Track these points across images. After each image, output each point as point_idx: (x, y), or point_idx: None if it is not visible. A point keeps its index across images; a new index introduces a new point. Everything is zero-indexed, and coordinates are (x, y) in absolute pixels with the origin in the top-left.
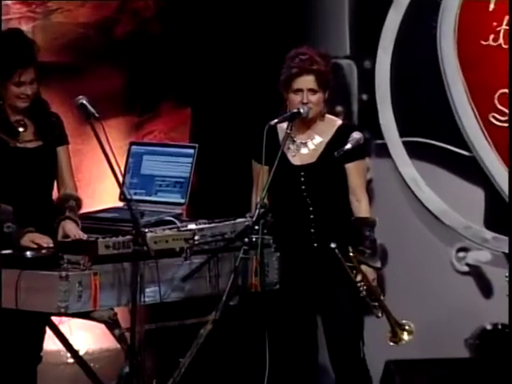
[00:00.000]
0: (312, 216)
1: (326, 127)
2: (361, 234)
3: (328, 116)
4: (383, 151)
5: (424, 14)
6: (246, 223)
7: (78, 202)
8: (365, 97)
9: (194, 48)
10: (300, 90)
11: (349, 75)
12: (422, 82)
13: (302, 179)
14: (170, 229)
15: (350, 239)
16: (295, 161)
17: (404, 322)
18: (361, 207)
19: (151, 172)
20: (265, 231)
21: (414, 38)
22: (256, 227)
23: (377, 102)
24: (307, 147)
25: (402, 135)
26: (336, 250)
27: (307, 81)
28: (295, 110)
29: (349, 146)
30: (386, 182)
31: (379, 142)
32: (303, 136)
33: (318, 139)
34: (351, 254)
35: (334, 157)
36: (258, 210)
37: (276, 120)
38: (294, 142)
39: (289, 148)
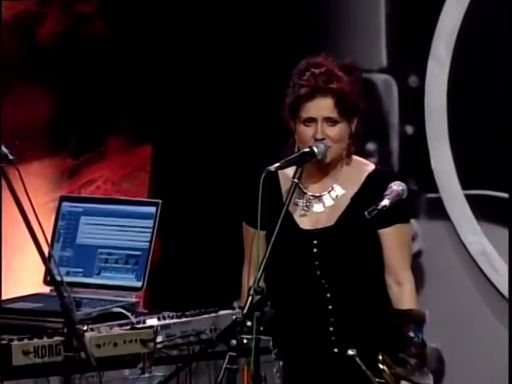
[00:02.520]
0: (330, 307)
1: (352, 174)
2: (402, 335)
3: (355, 158)
4: (437, 210)
5: (497, 6)
6: (234, 317)
7: None
8: (409, 129)
9: (156, 57)
10: (312, 120)
11: (386, 97)
12: (495, 108)
13: (315, 250)
14: (119, 326)
15: (386, 342)
16: (304, 223)
17: None
18: (403, 294)
19: (92, 241)
20: (261, 329)
21: (484, 43)
22: (248, 323)
23: (427, 137)
24: (322, 203)
25: (465, 186)
26: (357, 360)
27: (323, 106)
28: (306, 150)
29: (386, 202)
30: (442, 255)
31: (431, 195)
32: (317, 186)
33: (338, 191)
34: (381, 367)
35: (363, 218)
36: (251, 298)
37: (277, 164)
38: (303, 194)
39: (296, 204)
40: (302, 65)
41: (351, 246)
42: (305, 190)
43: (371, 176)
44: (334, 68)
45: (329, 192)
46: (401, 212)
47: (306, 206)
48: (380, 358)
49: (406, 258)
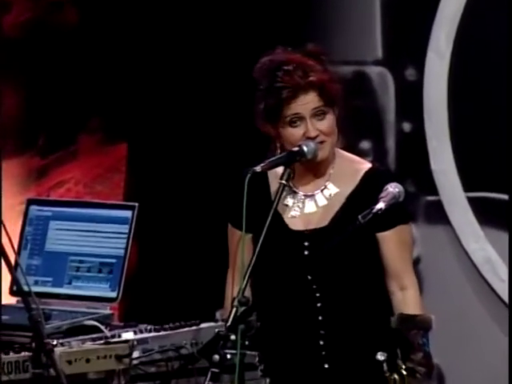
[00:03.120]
0: (320, 317)
1: (346, 172)
2: (408, 343)
3: (348, 155)
4: (437, 214)
5: None
6: (216, 330)
7: None
8: (407, 126)
9: (132, 49)
10: (299, 119)
11: (381, 91)
12: (500, 103)
13: (306, 253)
14: (92, 340)
15: (393, 350)
16: (295, 224)
17: None
18: (407, 299)
19: (62, 248)
20: (246, 343)
21: (487, 34)
22: (232, 337)
23: (426, 134)
24: (315, 202)
25: (467, 188)
26: (384, 365)
27: (308, 100)
28: (295, 149)
29: (381, 205)
30: (442, 262)
31: (431, 198)
32: (309, 185)
33: (332, 189)
34: (404, 373)
35: (357, 223)
36: (235, 309)
37: (263, 164)
38: (294, 193)
39: (286, 205)
40: (266, 65)
41: (345, 250)
42: (296, 190)
43: (368, 175)
44: (302, 59)
45: (322, 190)
46: (401, 213)
47: (298, 206)
48: (402, 364)
49: (409, 260)
